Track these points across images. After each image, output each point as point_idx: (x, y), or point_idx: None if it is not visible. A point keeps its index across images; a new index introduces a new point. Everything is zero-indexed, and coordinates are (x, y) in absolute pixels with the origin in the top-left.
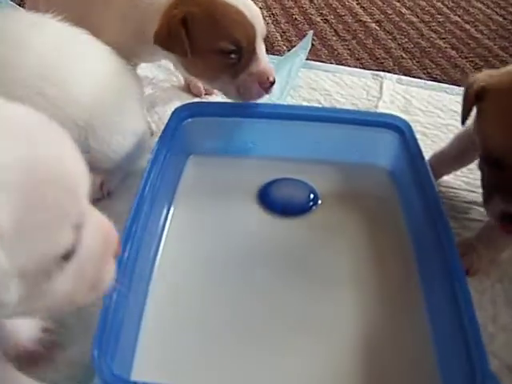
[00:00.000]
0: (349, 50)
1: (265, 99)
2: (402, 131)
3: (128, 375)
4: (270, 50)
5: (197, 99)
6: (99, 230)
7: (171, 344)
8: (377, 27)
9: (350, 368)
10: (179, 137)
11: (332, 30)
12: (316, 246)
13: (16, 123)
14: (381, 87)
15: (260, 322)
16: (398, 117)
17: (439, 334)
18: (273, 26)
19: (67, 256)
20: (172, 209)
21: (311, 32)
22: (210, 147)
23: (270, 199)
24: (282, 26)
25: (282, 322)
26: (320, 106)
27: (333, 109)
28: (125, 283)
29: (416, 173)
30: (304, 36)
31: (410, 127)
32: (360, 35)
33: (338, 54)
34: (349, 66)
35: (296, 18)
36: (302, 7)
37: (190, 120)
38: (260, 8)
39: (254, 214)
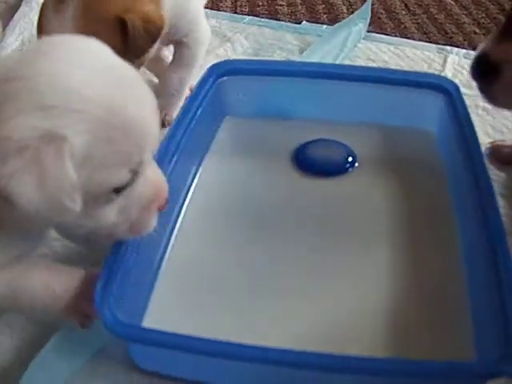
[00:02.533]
0: (417, 23)
1: None
2: (449, 93)
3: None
4: (334, 22)
5: None
6: (152, 183)
7: (189, 296)
8: (452, 2)
9: (375, 315)
10: (213, 96)
11: (403, 4)
12: (349, 207)
13: (107, 64)
14: (445, 61)
15: (285, 274)
16: (444, 77)
17: (475, 298)
18: None
19: (118, 190)
20: (201, 167)
21: (369, 1)
22: (247, 108)
23: (305, 159)
24: None
25: (306, 272)
26: None
27: (375, 68)
28: None
29: (462, 138)
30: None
31: (457, 89)
32: (432, 9)
33: (405, 27)
34: (414, 39)
35: None
36: None
37: (225, 78)
38: None
39: (288, 173)
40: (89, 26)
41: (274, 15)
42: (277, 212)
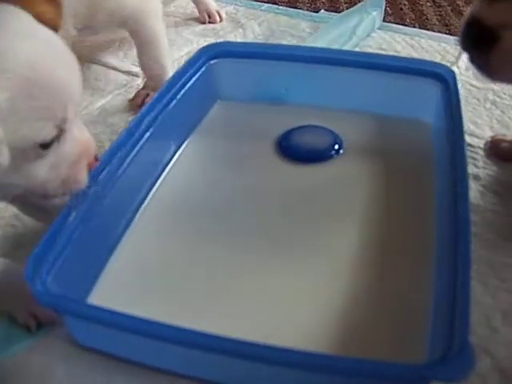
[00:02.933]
0: (440, 15)
1: None
2: (445, 81)
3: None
4: None
5: None
6: (79, 140)
7: (141, 279)
8: None
9: (334, 310)
10: (204, 77)
11: None
12: (326, 194)
13: (29, 27)
14: (460, 53)
15: (256, 261)
16: (442, 65)
17: (438, 292)
18: None
19: (45, 146)
20: (184, 145)
21: None
22: (238, 91)
23: (288, 145)
24: None
25: (282, 257)
26: None
27: (370, 54)
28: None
29: (450, 129)
30: None
31: (454, 77)
32: (458, 2)
33: (427, 19)
34: (433, 31)
35: None
36: None
37: (217, 60)
38: None
39: (270, 159)
40: None
41: (293, 3)
42: (251, 197)
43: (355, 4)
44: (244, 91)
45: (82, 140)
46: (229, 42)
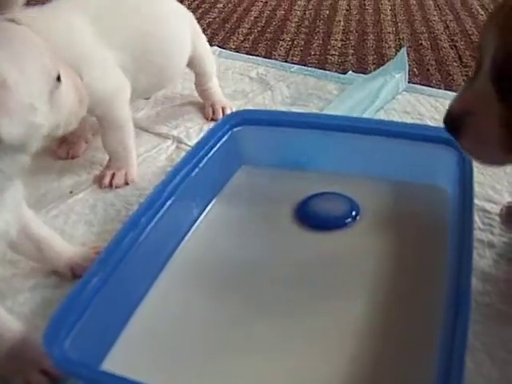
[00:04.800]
0: (466, 75)
1: None
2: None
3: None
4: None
5: None
6: (70, 77)
7: (157, 346)
8: None
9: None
10: (228, 144)
11: (456, 56)
12: (344, 261)
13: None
14: None
15: (263, 331)
16: None
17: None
18: (393, 50)
19: (58, 78)
20: (207, 208)
21: (404, 49)
22: (261, 157)
23: (306, 212)
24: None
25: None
26: None
27: (389, 122)
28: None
29: (462, 197)
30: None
31: None
32: None
33: (453, 79)
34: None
35: (422, 44)
36: (434, 33)
37: (241, 128)
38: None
39: (287, 226)
40: None
41: (323, 64)
42: (267, 262)
43: (383, 65)
44: (266, 157)
45: (72, 77)
46: (252, 110)
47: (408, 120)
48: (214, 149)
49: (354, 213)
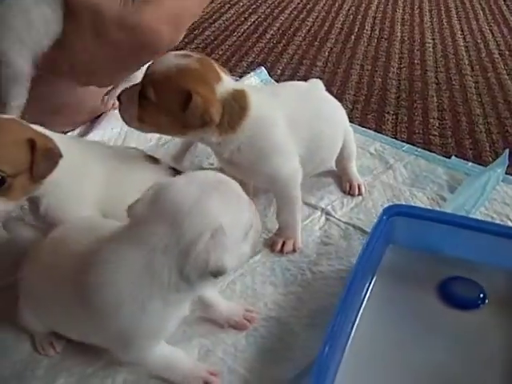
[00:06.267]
0: None
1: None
2: None
3: None
4: (478, 158)
5: None
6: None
7: None
8: None
9: None
10: (385, 229)
11: None
12: (474, 340)
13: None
14: None
15: None
16: None
17: None
18: (484, 135)
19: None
20: (370, 288)
21: (507, 151)
22: (406, 241)
23: (447, 292)
24: (493, 136)
25: None
26: (508, 221)
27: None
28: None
29: None
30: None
31: None
32: None
33: None
34: None
35: (507, 130)
36: None
37: (395, 217)
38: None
39: (431, 303)
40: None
41: (427, 144)
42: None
43: (478, 150)
44: (409, 241)
45: None
46: (405, 205)
47: (508, 211)
48: (376, 234)
49: (481, 295)
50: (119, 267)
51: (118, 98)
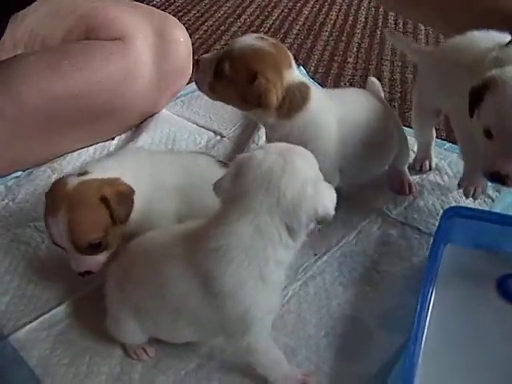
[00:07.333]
0: None
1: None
2: None
3: None
4: None
5: None
6: None
7: None
8: None
9: None
10: (444, 229)
11: None
12: None
13: None
14: None
15: None
16: None
17: None
18: None
19: None
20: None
21: None
22: (463, 240)
23: (507, 289)
24: None
25: None
26: None
27: None
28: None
29: None
30: None
31: None
32: None
33: None
34: None
35: None
36: None
37: (454, 219)
38: None
39: (490, 299)
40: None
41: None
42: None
43: None
44: (465, 240)
45: None
46: (462, 207)
47: None
48: (440, 236)
49: None
50: (231, 244)
51: (197, 61)
